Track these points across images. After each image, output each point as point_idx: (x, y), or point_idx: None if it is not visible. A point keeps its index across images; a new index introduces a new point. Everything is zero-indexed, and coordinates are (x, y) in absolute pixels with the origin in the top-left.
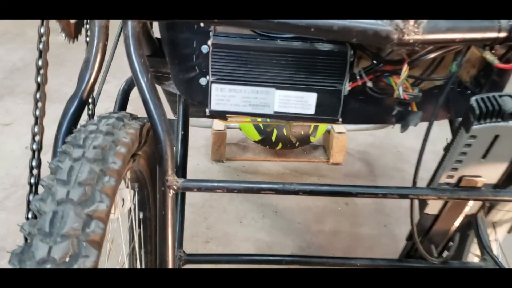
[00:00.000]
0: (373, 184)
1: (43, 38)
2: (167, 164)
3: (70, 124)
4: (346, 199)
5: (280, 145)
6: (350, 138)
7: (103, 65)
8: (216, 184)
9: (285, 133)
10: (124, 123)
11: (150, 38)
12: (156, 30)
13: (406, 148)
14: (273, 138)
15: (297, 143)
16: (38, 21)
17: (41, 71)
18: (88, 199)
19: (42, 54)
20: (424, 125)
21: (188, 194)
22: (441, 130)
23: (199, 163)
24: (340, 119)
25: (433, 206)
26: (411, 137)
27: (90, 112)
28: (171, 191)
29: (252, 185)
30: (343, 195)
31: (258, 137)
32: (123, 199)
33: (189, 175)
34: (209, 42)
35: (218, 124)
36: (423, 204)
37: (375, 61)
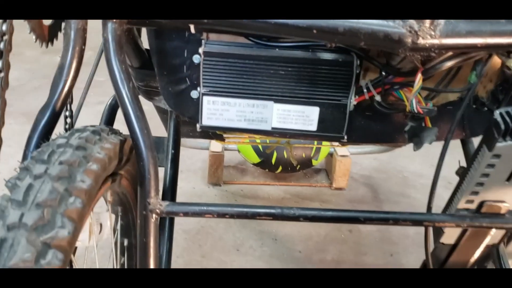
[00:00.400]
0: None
1: (5, 37)
2: (149, 184)
3: (40, 138)
4: (350, 226)
5: (280, 168)
6: (353, 162)
7: (79, 72)
8: (205, 208)
9: (285, 156)
10: (101, 137)
11: (139, 49)
12: (145, 40)
13: (412, 172)
14: (273, 160)
15: (298, 166)
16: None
17: (2, 74)
18: (46, 224)
19: (3, 55)
20: (430, 148)
21: (182, 220)
22: (449, 154)
23: (195, 187)
24: (345, 137)
25: (450, 235)
26: (416, 162)
27: (67, 126)
28: (154, 215)
29: (246, 210)
30: (349, 222)
31: (257, 159)
32: (100, 224)
33: (184, 200)
34: (200, 50)
35: (216, 146)
36: (438, 232)
37: (384, 73)
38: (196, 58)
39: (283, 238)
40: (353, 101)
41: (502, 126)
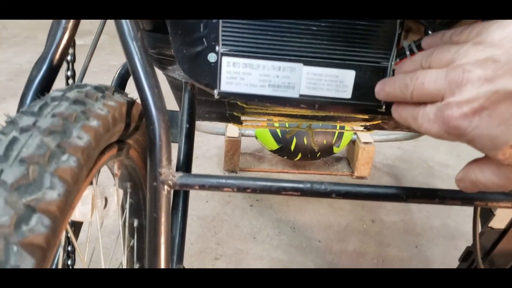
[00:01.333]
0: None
1: None
2: (160, 151)
3: (35, 94)
4: (372, 216)
5: (299, 155)
6: (376, 151)
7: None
8: (224, 181)
9: (305, 142)
10: (104, 95)
11: None
12: None
13: (437, 163)
14: (292, 147)
15: (319, 153)
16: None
17: None
18: (30, 184)
19: None
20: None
21: (197, 206)
22: None
23: (211, 173)
24: (384, 107)
25: (501, 218)
26: (441, 152)
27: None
28: (166, 187)
29: (270, 184)
30: (389, 199)
31: (275, 145)
32: (106, 199)
33: None
34: None
35: (232, 131)
36: (488, 214)
37: (430, 31)
38: None
39: (302, 227)
40: (394, 64)
41: None
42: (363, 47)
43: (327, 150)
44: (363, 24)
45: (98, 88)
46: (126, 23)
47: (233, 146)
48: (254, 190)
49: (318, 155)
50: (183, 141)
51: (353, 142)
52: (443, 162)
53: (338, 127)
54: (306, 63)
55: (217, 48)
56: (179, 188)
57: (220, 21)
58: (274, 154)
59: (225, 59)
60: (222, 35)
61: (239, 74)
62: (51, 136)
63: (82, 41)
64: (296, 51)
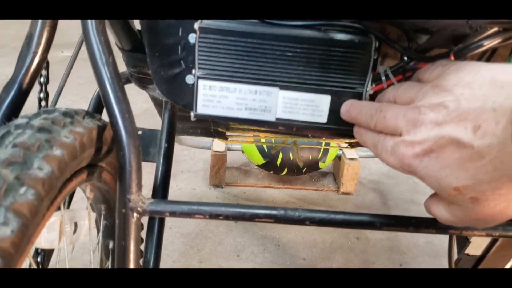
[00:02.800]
0: None
1: None
2: (130, 177)
3: (3, 119)
4: (357, 233)
5: (285, 170)
6: (362, 166)
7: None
8: (196, 208)
9: (291, 157)
10: (73, 120)
11: (129, 28)
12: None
13: None
14: (278, 162)
15: (305, 169)
16: None
17: None
18: None
19: None
20: None
21: (180, 223)
22: None
23: (196, 188)
24: None
25: (477, 245)
26: None
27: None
28: (135, 214)
29: (243, 210)
30: (363, 227)
31: (261, 160)
32: (75, 223)
33: None
34: (196, 26)
35: (218, 145)
36: (463, 241)
37: (405, 58)
38: (192, 38)
39: (287, 244)
40: (369, 90)
41: None
42: (338, 72)
43: (312, 166)
44: (338, 50)
45: (66, 114)
46: (97, 46)
47: (219, 161)
48: (227, 217)
49: (304, 171)
50: (161, 161)
51: (338, 158)
52: None
53: (323, 143)
54: (282, 87)
55: (193, 71)
56: (149, 215)
57: (197, 44)
58: (261, 169)
59: (201, 82)
60: (199, 58)
61: (215, 97)
62: (10, 167)
63: (70, 53)
64: (272, 76)
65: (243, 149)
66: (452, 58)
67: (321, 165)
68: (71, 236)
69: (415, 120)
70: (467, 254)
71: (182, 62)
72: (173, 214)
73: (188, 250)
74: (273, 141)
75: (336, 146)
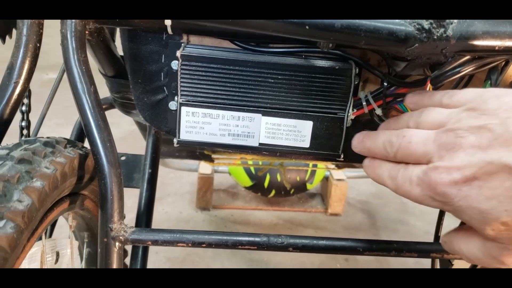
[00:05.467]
0: (376, 238)
1: None
2: (112, 207)
3: None
4: (346, 255)
5: (273, 192)
6: (350, 186)
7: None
8: (178, 236)
9: (279, 179)
10: (54, 150)
11: (112, 55)
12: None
13: None
14: (266, 184)
15: (292, 190)
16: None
17: None
18: None
19: None
20: None
21: (166, 247)
22: None
23: (182, 211)
24: (342, 156)
25: (460, 267)
26: None
27: (23, 138)
28: (117, 243)
29: (226, 238)
30: (346, 252)
31: (249, 182)
32: (57, 253)
33: (172, 226)
34: (178, 53)
35: (205, 168)
36: (446, 265)
37: (385, 83)
38: (174, 64)
39: (275, 267)
40: (350, 115)
41: None
42: (319, 98)
43: (300, 187)
44: (319, 76)
45: (47, 143)
46: (78, 76)
47: (205, 183)
48: (210, 245)
49: (291, 192)
50: (145, 186)
51: (326, 179)
52: None
53: (310, 165)
54: (265, 113)
55: (176, 97)
56: (131, 244)
57: (179, 71)
58: (248, 191)
59: (184, 109)
60: (181, 85)
61: (198, 123)
62: None
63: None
64: (255, 102)
65: (230, 171)
66: (429, 84)
67: (308, 186)
68: (53, 266)
69: (450, 144)
70: None
71: (165, 88)
72: (155, 242)
73: None
74: (260, 163)
75: (324, 167)
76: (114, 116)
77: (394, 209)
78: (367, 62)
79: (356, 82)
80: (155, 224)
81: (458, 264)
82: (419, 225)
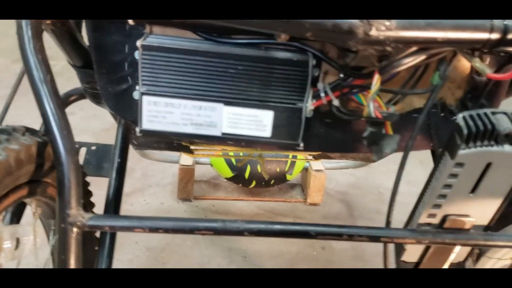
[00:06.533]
0: None
1: None
2: (69, 193)
3: None
4: (323, 243)
5: (254, 183)
6: (329, 177)
7: None
8: (136, 223)
9: (259, 170)
10: (10, 138)
11: (79, 45)
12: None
13: (388, 189)
14: (247, 175)
15: (273, 181)
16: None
17: None
18: None
19: None
20: (407, 165)
21: (145, 237)
22: (426, 171)
23: (164, 202)
24: (302, 144)
25: (412, 252)
26: (393, 178)
27: None
28: (75, 229)
29: (183, 224)
30: (299, 236)
31: (230, 173)
32: (17, 239)
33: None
34: (138, 43)
35: (186, 159)
36: (400, 249)
37: (342, 75)
38: (137, 54)
39: (253, 256)
40: (309, 105)
41: (465, 131)
42: (279, 89)
43: (280, 178)
44: (278, 67)
45: (3, 131)
46: (34, 65)
47: (186, 175)
48: (167, 231)
49: (272, 183)
50: (114, 176)
51: (306, 170)
52: (392, 188)
53: (290, 156)
54: (227, 103)
55: (137, 87)
56: (89, 230)
57: (140, 61)
58: (230, 182)
59: (145, 98)
60: (142, 75)
61: (160, 112)
62: None
63: None
64: (216, 92)
65: (211, 162)
66: (377, 75)
67: (288, 177)
68: (12, 252)
69: None
70: (404, 261)
71: (129, 78)
72: (113, 228)
73: (153, 264)
74: (241, 154)
75: (303, 158)
76: (98, 108)
77: (372, 199)
78: (325, 54)
79: (316, 74)
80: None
81: (410, 249)
82: (395, 214)
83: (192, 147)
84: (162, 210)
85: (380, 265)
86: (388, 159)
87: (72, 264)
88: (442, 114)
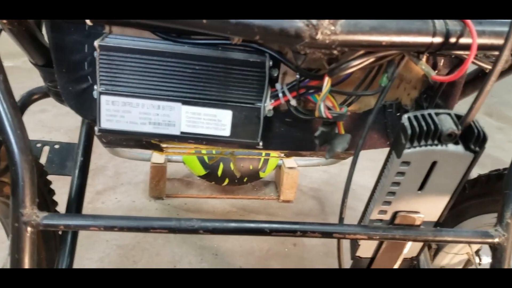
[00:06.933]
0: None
1: None
2: (23, 192)
3: None
4: (294, 240)
5: (227, 180)
6: (303, 174)
7: None
8: (91, 221)
9: (232, 168)
10: None
11: (39, 44)
12: None
13: (360, 186)
14: (219, 173)
15: (246, 178)
16: None
17: None
18: None
19: None
20: (380, 161)
21: (117, 235)
22: None
23: (135, 200)
24: (261, 143)
25: (366, 248)
26: (366, 175)
27: None
28: (29, 228)
29: (138, 222)
30: (254, 233)
31: (203, 171)
32: None
33: (123, 214)
34: (96, 44)
35: (158, 157)
36: (354, 245)
37: (298, 76)
38: (96, 54)
39: (224, 253)
40: (268, 105)
41: (409, 131)
42: (237, 89)
43: (253, 175)
44: (235, 68)
45: None
46: None
47: (158, 173)
48: (122, 229)
49: (245, 180)
50: (76, 174)
51: (279, 167)
52: (366, 185)
53: (263, 154)
54: (185, 102)
55: (95, 86)
56: (43, 229)
57: (98, 61)
58: (203, 180)
59: (104, 98)
60: (100, 75)
61: (118, 112)
62: None
63: (12, 63)
64: (174, 91)
65: (184, 160)
66: (326, 78)
67: (261, 174)
68: None
69: None
70: (359, 257)
71: (89, 77)
72: (68, 227)
73: (124, 262)
74: (213, 152)
75: (276, 155)
76: None
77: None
78: (283, 55)
79: (275, 74)
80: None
81: (364, 245)
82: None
83: (162, 145)
84: (133, 208)
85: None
86: (362, 156)
87: (26, 264)
88: (398, 114)
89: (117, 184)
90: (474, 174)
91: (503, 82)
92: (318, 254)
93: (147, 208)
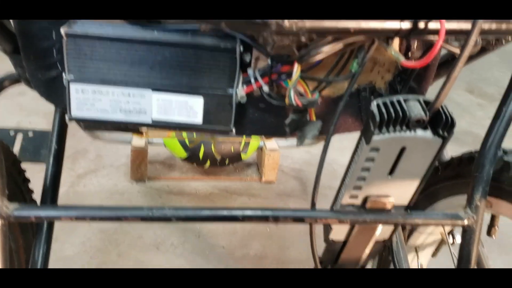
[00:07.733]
0: (303, 204)
1: None
2: None
3: None
4: None
5: (208, 162)
6: (284, 155)
7: None
8: (62, 212)
9: (213, 150)
10: None
11: (7, 31)
12: None
13: (341, 165)
14: (201, 155)
15: (227, 160)
16: None
17: None
18: None
19: None
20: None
21: None
22: None
23: (117, 183)
24: (234, 130)
25: (338, 231)
26: (346, 155)
27: None
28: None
29: (110, 212)
30: (226, 220)
31: (184, 154)
32: None
33: (105, 197)
34: (62, 31)
35: (138, 140)
36: (327, 229)
37: (269, 61)
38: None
39: (207, 234)
40: (240, 91)
41: (377, 118)
42: (208, 75)
43: (235, 157)
44: (205, 54)
45: None
46: None
47: (139, 156)
48: (93, 219)
49: (227, 162)
50: (51, 162)
51: (261, 149)
52: (346, 165)
53: (244, 136)
54: (155, 89)
55: (64, 75)
56: (14, 221)
57: (65, 49)
58: (185, 162)
59: (73, 86)
60: (68, 61)
61: (89, 100)
62: None
63: None
64: (144, 78)
65: (165, 143)
66: (296, 64)
67: (243, 156)
68: None
69: None
70: (332, 240)
71: (58, 64)
72: (39, 219)
73: (106, 245)
74: (194, 135)
75: (257, 138)
76: None
77: (325, 175)
78: (254, 40)
79: (248, 60)
80: (89, 197)
81: (336, 228)
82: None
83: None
84: (115, 191)
85: None
86: (343, 136)
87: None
88: (372, 97)
89: (98, 167)
90: (455, 152)
91: (484, 59)
92: (299, 234)
93: (129, 191)
